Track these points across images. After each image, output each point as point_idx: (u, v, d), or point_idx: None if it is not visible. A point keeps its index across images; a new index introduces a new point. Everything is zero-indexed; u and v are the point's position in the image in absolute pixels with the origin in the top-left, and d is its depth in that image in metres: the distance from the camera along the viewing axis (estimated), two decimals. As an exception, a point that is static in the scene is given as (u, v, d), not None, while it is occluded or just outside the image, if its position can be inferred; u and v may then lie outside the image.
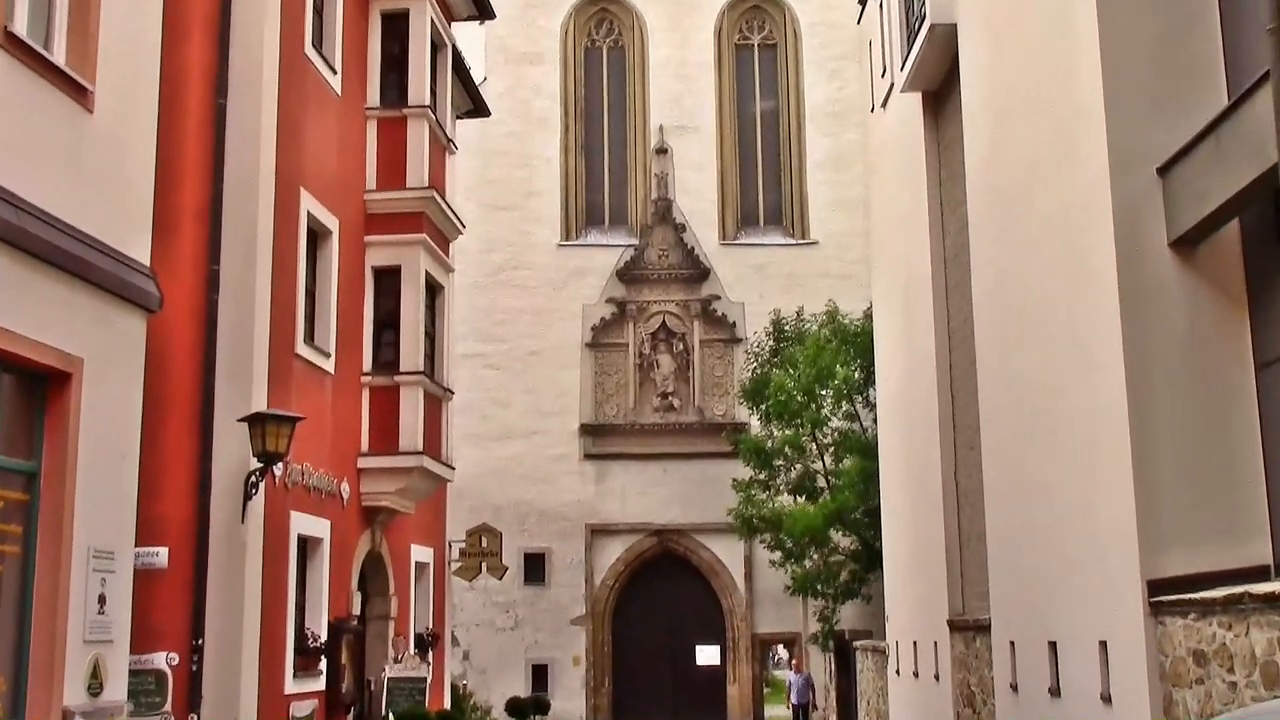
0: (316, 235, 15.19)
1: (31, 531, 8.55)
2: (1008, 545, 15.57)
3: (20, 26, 8.41)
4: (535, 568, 32.79)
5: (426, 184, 16.97)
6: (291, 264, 14.10)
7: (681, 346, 33.58)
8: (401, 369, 16.44)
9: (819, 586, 28.75)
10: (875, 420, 26.92)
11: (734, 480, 30.29)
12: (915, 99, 20.51)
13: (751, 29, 35.35)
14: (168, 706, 11.55)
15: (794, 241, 34.12)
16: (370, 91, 17.08)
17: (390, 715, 15.83)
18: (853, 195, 33.28)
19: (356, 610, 15.86)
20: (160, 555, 11.98)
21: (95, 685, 8.88)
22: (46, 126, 8.66)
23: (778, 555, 29.24)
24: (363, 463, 16.12)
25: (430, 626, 18.94)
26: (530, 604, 32.67)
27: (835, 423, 29.26)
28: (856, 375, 28.65)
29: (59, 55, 8.88)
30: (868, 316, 28.57)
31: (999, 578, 15.99)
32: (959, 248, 18.57)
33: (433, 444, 17.01)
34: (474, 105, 22.10)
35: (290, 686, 13.56)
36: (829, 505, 27.50)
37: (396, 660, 16.42)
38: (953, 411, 19.29)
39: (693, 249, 33.85)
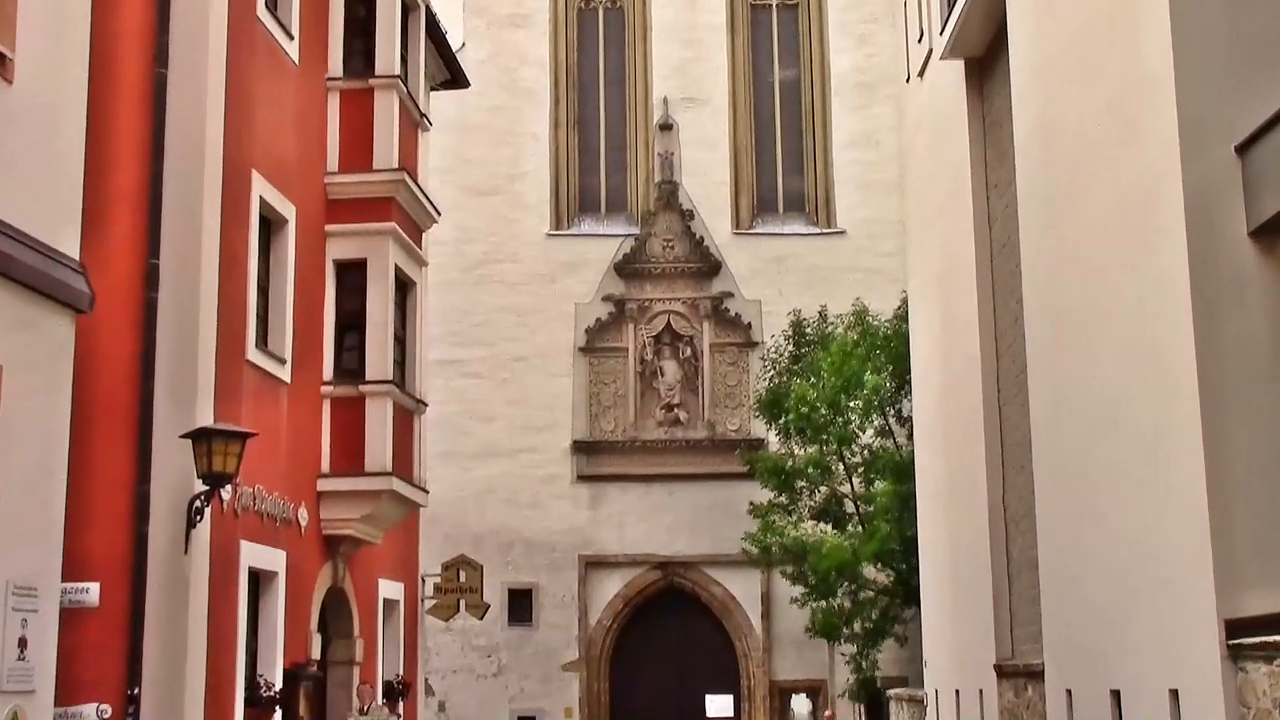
0: (270, 224, 15.21)
1: (-58, 565, 8.54)
2: (1063, 579, 15.54)
3: (-70, -15, 8.41)
4: (521, 606, 32.73)
5: (396, 165, 17.01)
6: (241, 258, 14.12)
7: (689, 351, 33.54)
8: (367, 377, 16.48)
9: (846, 627, 28.66)
10: (911, 436, 26.88)
11: (751, 504, 30.24)
12: (957, 67, 20.51)
13: (769, -13, 35.42)
14: (99, 765, 11.52)
15: (818, 230, 34.09)
16: (332, 60, 17.10)
17: (355, 775, 15.81)
18: (885, 178, 33.27)
19: (316, 654, 15.86)
20: (90, 591, 11.94)
21: (15, 741, 8.86)
22: (-40, 100, 8.65)
23: (799, 591, 29.16)
24: (323, 485, 16.15)
25: (400, 673, 18.94)
26: (515, 647, 32.62)
27: (865, 439, 29.21)
28: (888, 384, 28.61)
29: (-26, 18, 8.88)
30: (899, 317, 28.53)
31: (1053, 616, 15.97)
32: (1007, 238, 18.56)
33: (403, 464, 17.01)
34: (450, 75, 22.13)
35: (240, 742, 13.55)
36: (871, 543, 27.32)
37: (362, 712, 16.41)
38: (1000, 426, 19.27)
39: (702, 239, 33.84)
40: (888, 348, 28.72)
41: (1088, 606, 14.51)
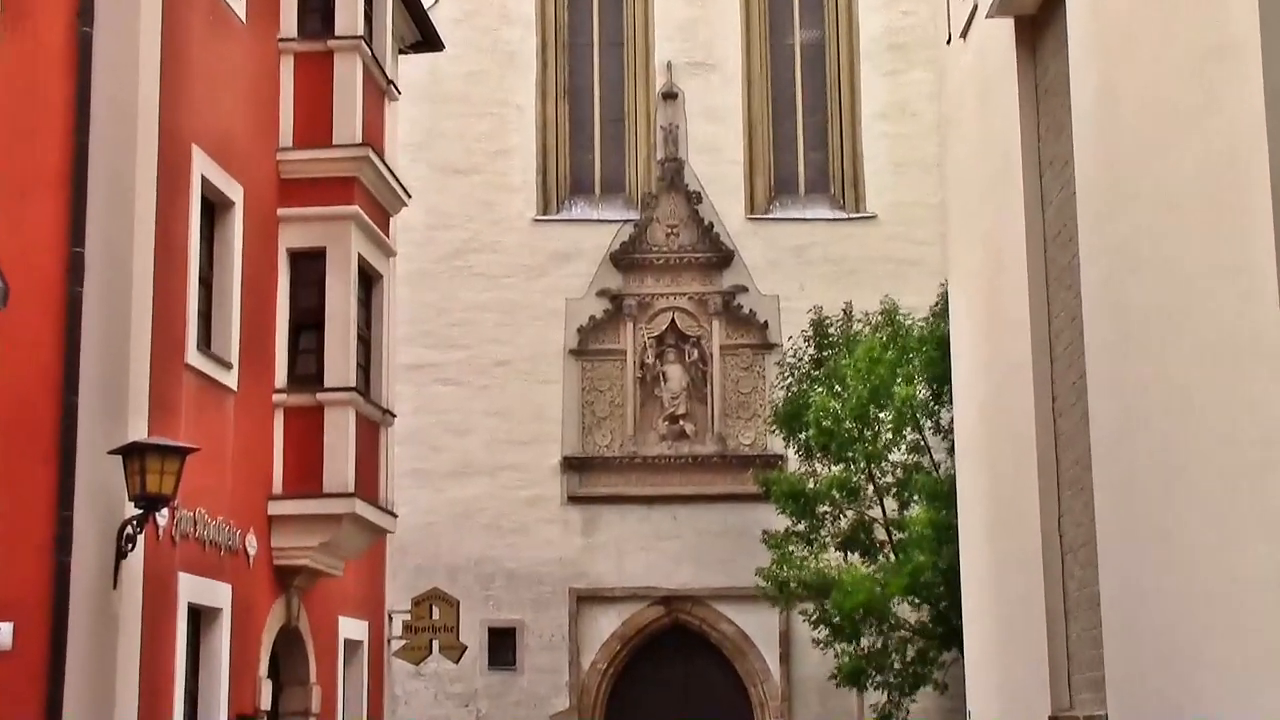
0: (214, 208, 15.22)
1: None
2: (1130, 618, 15.45)
3: None
4: (503, 647, 32.66)
5: (360, 140, 17.03)
6: (180, 246, 14.10)
7: (696, 354, 33.46)
8: (326, 384, 16.52)
9: (876, 674, 28.56)
10: (951, 453, 26.78)
11: (765, 533, 30.15)
12: (1006, 27, 20.43)
13: (788, -64, 35.38)
14: (14, 834, 11.45)
15: (844, 215, 34.03)
16: (285, 18, 17.11)
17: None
18: (922, 155, 33.20)
19: (266, 704, 15.87)
20: (3, 633, 11.90)
21: (-85, 808, 8.76)
22: None
23: (822, 632, 29.05)
24: (275, 508, 16.16)
25: (364, 725, 18.90)
26: (497, 694, 32.55)
27: (897, 456, 29.14)
28: (921, 393, 28.52)
29: None
30: (937, 315, 28.44)
31: (1119, 661, 15.88)
32: (1063, 224, 18.49)
33: (368, 483, 17.00)
34: (422, 36, 22.09)
35: (178, 807, 13.50)
36: (899, 576, 27.21)
37: (319, 770, 16.35)
38: (1055, 441, 19.18)
39: (711, 226, 33.78)
40: (922, 351, 28.64)
41: (1159, 649, 14.41)
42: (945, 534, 26.28)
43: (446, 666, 29.58)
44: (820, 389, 29.30)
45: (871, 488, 29.21)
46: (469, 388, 33.28)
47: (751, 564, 30.71)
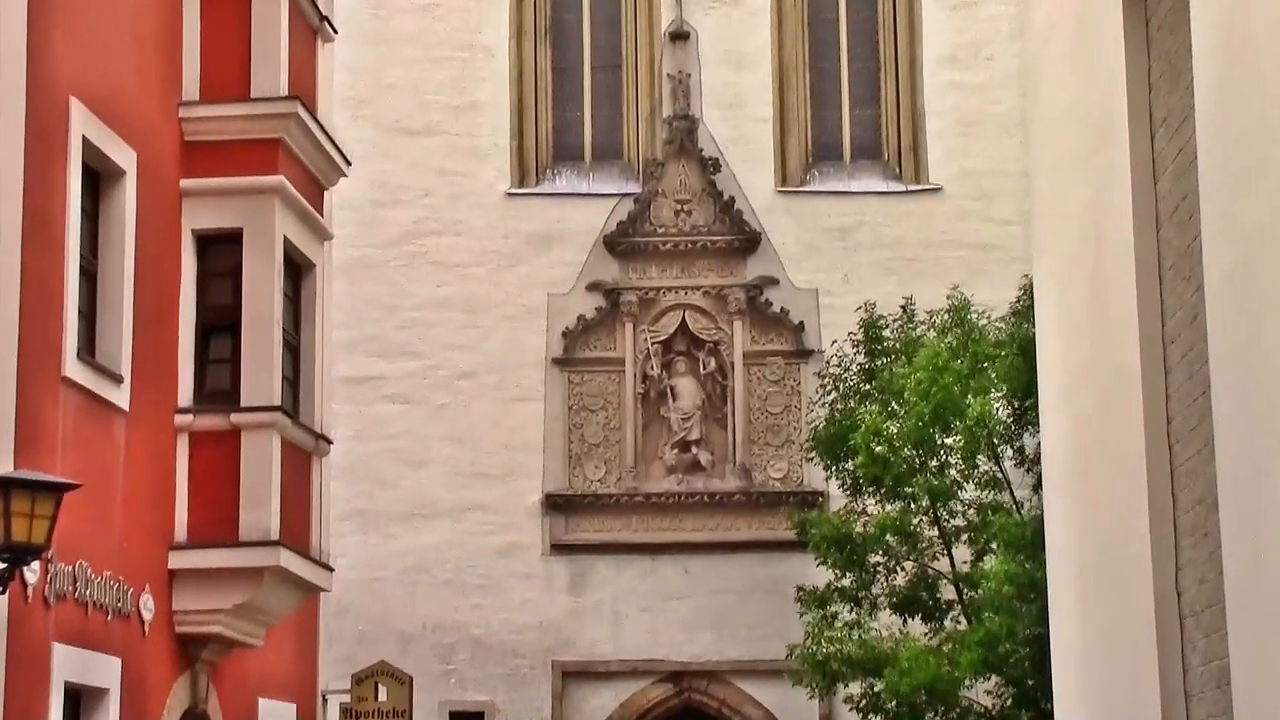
0: (99, 178, 15.24)
1: None
2: (1270, 699, 15.37)
3: None
4: (469, 736, 32.73)
5: (285, 92, 17.01)
6: (56, 227, 14.13)
7: (713, 364, 33.51)
8: (244, 403, 16.57)
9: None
10: (1037, 489, 26.74)
11: (799, 590, 30.12)
12: (1106, -52, 20.43)
13: None
14: None
15: (901, 188, 34.07)
16: (188, -64, 17.10)
17: None
18: (999, 110, 33.25)
19: (166, 811, 15.80)
20: None
21: None
22: None
23: (875, 721, 29.06)
24: (177, 560, 16.21)
25: (292, 837, 18.90)
26: (460, 796, 32.59)
27: (969, 493, 29.11)
28: (1002, 413, 28.50)
29: None
30: (1019, 313, 28.44)
31: (1254, 755, 15.80)
32: (1182, 197, 18.43)
33: (296, 528, 17.03)
34: (365, -39, 22.10)
35: None
36: (970, 651, 27.07)
37: None
38: (1171, 473, 19.11)
39: (732, 201, 33.82)
40: (1000, 358, 28.60)
41: (1305, 741, 14.34)
42: (1030, 592, 26.24)
43: (396, 761, 29.57)
44: (872, 406, 29.24)
45: (936, 533, 29.18)
46: (425, 407, 33.28)
47: (783, 629, 30.67)
